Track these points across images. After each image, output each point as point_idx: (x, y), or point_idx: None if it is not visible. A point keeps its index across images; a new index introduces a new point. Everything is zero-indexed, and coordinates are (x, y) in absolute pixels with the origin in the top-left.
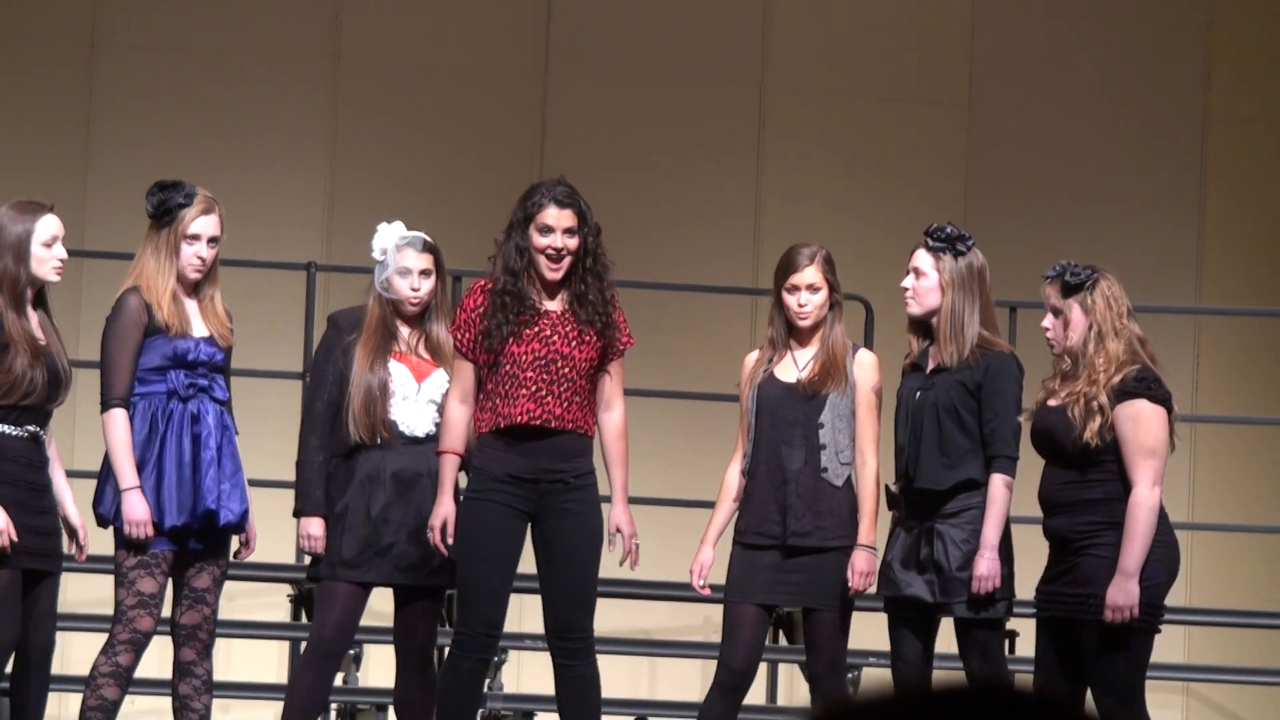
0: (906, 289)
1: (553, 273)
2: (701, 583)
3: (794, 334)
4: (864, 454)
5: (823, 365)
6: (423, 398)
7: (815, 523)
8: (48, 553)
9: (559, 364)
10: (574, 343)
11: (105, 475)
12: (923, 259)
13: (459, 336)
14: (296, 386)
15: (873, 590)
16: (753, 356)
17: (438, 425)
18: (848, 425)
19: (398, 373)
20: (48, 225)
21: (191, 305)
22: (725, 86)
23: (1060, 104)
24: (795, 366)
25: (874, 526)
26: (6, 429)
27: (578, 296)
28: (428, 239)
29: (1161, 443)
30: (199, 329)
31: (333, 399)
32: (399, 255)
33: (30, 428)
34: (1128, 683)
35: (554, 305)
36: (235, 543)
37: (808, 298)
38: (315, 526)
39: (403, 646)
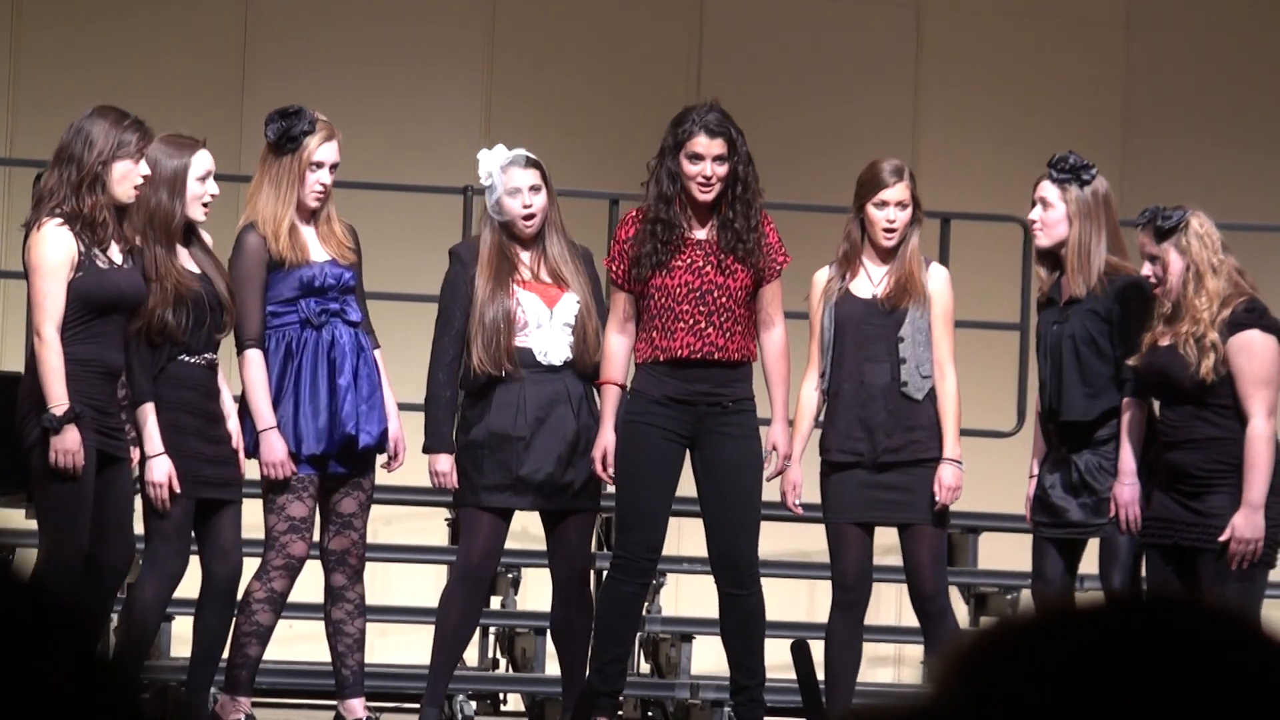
0: (1034, 221)
1: (704, 194)
2: (796, 502)
3: (871, 249)
4: (942, 367)
5: (899, 281)
6: (556, 322)
7: (906, 437)
8: (226, 481)
9: (715, 294)
10: (727, 271)
11: (245, 413)
12: (1049, 190)
13: (614, 267)
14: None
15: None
16: (823, 274)
17: (573, 349)
18: (926, 339)
19: (528, 301)
20: (202, 160)
21: (309, 232)
22: (882, 7)
23: (1220, 24)
24: (870, 283)
25: (958, 440)
26: (185, 358)
27: (725, 224)
28: (530, 155)
29: (1274, 373)
30: (319, 254)
31: (461, 334)
32: (505, 176)
33: (207, 355)
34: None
35: (703, 234)
36: (383, 458)
37: (896, 214)
38: (443, 463)
39: (558, 571)
